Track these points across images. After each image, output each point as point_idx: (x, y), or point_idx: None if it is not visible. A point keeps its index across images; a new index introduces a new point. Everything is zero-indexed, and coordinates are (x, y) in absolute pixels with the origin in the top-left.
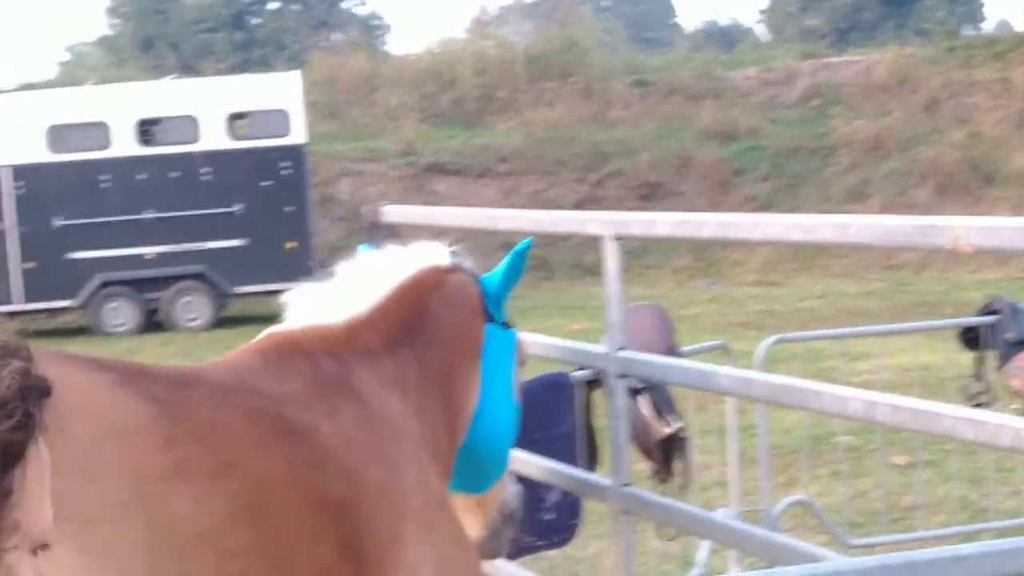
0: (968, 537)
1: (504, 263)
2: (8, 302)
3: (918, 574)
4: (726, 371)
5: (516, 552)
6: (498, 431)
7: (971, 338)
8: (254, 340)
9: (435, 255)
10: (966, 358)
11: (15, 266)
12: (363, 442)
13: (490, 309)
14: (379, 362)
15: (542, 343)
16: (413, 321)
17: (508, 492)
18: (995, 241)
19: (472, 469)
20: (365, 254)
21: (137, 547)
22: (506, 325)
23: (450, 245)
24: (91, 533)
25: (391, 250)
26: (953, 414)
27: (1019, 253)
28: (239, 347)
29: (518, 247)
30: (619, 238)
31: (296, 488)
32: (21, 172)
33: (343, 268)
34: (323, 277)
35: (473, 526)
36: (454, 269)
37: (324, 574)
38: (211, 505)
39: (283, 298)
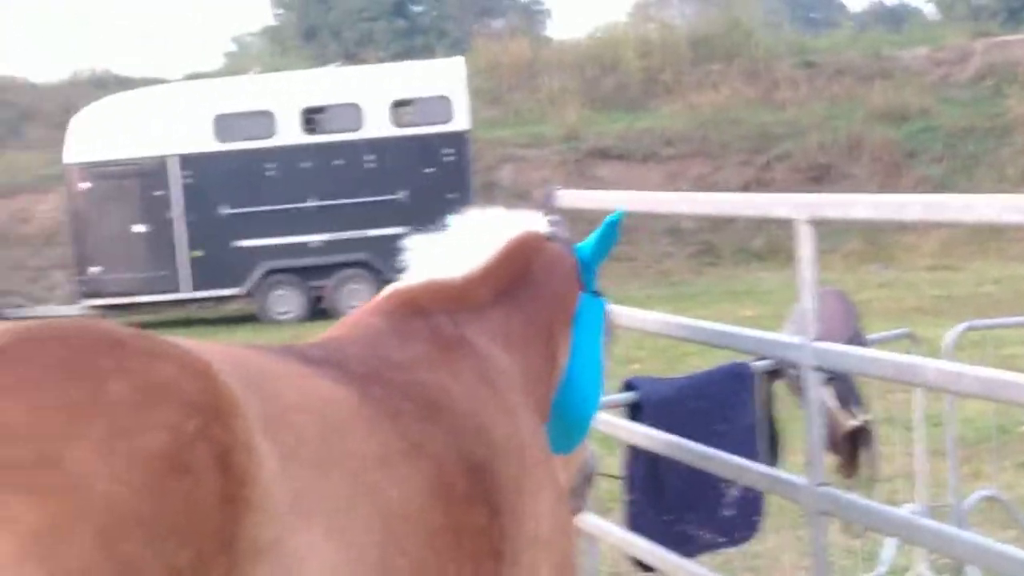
0: None
1: (597, 233)
2: (176, 290)
3: None
4: (933, 364)
5: (696, 549)
6: (586, 396)
7: None
8: (377, 299)
9: (535, 222)
10: None
11: (183, 255)
12: (486, 398)
13: (583, 277)
14: (487, 315)
15: (732, 333)
16: (518, 279)
17: (588, 454)
18: None
19: (559, 430)
20: (473, 213)
21: (366, 534)
22: (596, 294)
23: (548, 216)
24: (332, 521)
25: (497, 212)
26: None
27: None
28: (360, 308)
29: (610, 218)
30: (813, 222)
31: (455, 458)
32: (188, 161)
33: (453, 226)
34: (435, 231)
35: None
36: (551, 237)
37: (481, 536)
38: (412, 488)
39: (405, 249)
